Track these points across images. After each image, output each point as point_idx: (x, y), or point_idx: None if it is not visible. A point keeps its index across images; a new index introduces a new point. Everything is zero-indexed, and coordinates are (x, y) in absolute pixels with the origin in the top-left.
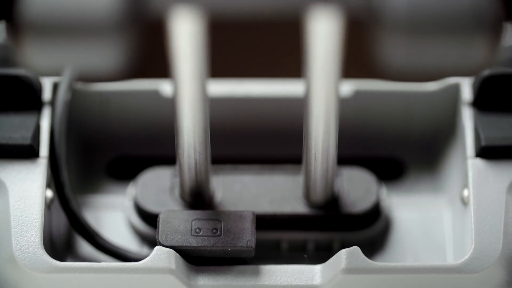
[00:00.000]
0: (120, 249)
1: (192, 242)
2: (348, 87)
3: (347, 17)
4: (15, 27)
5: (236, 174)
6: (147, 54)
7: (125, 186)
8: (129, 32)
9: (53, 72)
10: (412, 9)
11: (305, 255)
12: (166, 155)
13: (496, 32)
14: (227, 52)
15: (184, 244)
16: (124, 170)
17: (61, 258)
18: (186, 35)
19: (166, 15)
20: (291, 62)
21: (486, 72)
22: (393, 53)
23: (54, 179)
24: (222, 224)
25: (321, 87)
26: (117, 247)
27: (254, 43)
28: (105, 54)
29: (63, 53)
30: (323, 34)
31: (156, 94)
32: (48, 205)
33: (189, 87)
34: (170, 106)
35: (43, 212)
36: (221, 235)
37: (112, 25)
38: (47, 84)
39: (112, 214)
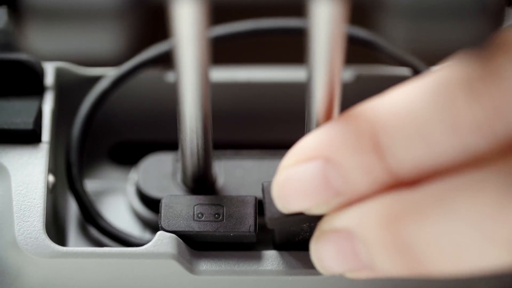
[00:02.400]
0: (122, 233)
1: (194, 227)
2: (349, 72)
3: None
4: (16, 11)
5: (238, 159)
6: (150, 39)
7: (127, 171)
8: (131, 16)
9: (55, 57)
10: None
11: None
12: (168, 140)
13: (498, 16)
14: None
15: (186, 229)
16: (126, 155)
17: (63, 243)
18: (188, 19)
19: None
20: (294, 47)
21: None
22: (396, 37)
23: (65, 158)
24: (224, 209)
25: (323, 72)
26: (119, 231)
27: None
28: (106, 38)
29: (64, 37)
30: (326, 18)
31: (158, 78)
32: (50, 190)
33: (192, 72)
34: (172, 90)
35: (45, 197)
36: (223, 220)
37: (114, 9)
38: (49, 69)
39: (114, 199)
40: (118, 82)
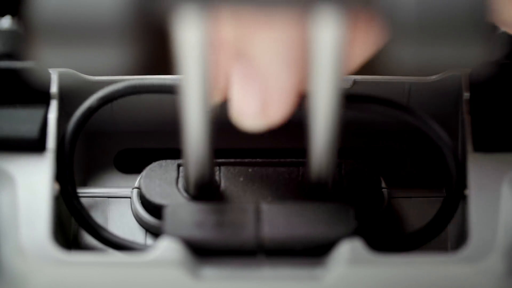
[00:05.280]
0: (125, 241)
1: (197, 233)
2: (346, 77)
3: (351, 19)
4: (24, 23)
5: (239, 166)
6: (156, 54)
7: (131, 178)
8: (137, 34)
9: (60, 65)
10: (420, 11)
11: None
12: (173, 148)
13: (491, 28)
14: None
15: (188, 236)
16: (131, 163)
17: (69, 250)
18: (191, 33)
19: (172, 18)
20: None
21: (481, 64)
22: (398, 52)
23: (58, 176)
24: (226, 216)
25: (326, 84)
26: (122, 240)
27: None
28: (112, 54)
29: (71, 51)
30: (327, 39)
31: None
32: (56, 198)
33: (195, 82)
34: (176, 98)
35: (51, 204)
36: (224, 227)
37: (119, 27)
38: (53, 75)
39: (118, 206)
40: (104, 101)
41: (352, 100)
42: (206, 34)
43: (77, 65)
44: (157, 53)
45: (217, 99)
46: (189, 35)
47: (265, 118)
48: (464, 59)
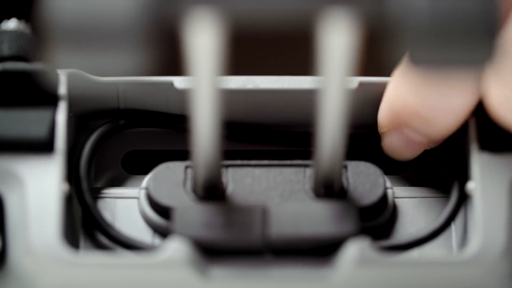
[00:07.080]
0: (133, 241)
1: (205, 234)
2: (351, 79)
3: (363, 26)
4: (33, 25)
5: (247, 168)
6: (166, 56)
7: (139, 179)
8: (149, 37)
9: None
10: (434, 16)
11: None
12: (181, 150)
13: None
14: (238, 55)
15: (197, 236)
16: (139, 164)
17: (78, 250)
18: (203, 38)
19: (184, 22)
20: (302, 67)
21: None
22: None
23: (73, 173)
24: (234, 217)
25: (335, 85)
26: (130, 239)
27: (264, 48)
28: (124, 58)
29: (83, 53)
30: (339, 42)
31: (170, 85)
32: (66, 198)
33: (205, 83)
34: (184, 99)
35: (60, 204)
36: (233, 228)
37: (132, 30)
38: (63, 78)
39: (126, 206)
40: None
41: None
42: (218, 38)
43: (88, 67)
44: (168, 55)
45: None
46: (200, 39)
47: None
48: (471, 62)
